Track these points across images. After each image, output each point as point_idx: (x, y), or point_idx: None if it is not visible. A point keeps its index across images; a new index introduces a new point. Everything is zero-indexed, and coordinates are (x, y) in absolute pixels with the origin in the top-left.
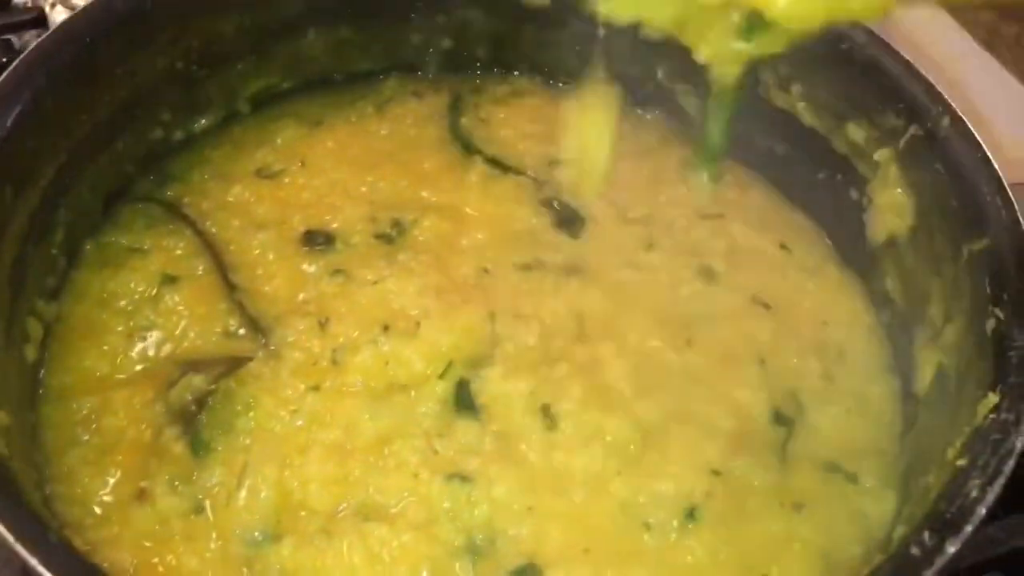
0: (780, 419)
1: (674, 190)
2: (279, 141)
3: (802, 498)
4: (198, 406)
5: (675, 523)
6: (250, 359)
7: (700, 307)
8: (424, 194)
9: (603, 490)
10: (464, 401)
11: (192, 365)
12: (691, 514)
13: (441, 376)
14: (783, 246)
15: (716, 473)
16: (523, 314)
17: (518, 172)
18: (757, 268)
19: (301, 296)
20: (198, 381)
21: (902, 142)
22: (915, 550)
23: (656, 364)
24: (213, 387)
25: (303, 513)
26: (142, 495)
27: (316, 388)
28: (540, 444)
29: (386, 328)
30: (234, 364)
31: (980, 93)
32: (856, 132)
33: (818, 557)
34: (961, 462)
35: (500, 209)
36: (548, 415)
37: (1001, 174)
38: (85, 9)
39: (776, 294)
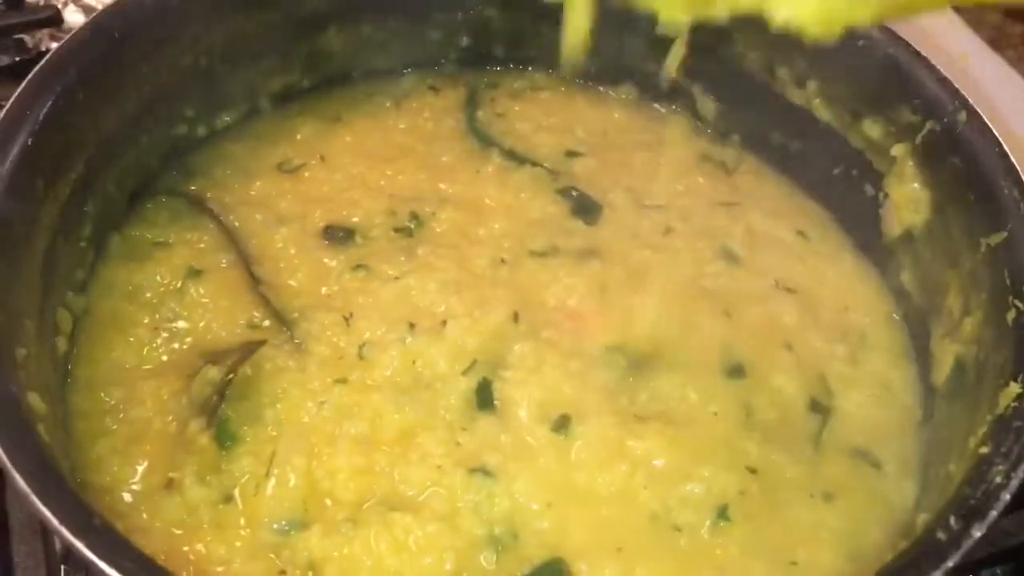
0: (816, 407)
1: (690, 180)
2: (299, 136)
3: (831, 487)
4: (219, 397)
5: (707, 523)
6: (263, 342)
7: (728, 285)
8: (442, 186)
9: (630, 497)
10: (485, 400)
11: (211, 356)
12: (723, 513)
13: (464, 373)
14: (800, 233)
15: (752, 471)
16: (547, 306)
17: (534, 164)
18: (776, 253)
19: (324, 290)
20: (213, 373)
21: (919, 137)
22: (941, 535)
23: (693, 342)
24: (230, 377)
25: (330, 503)
26: (171, 485)
27: (343, 381)
28: (557, 449)
29: (412, 326)
30: (247, 351)
31: (988, 91)
32: (872, 128)
33: (844, 544)
34: (984, 449)
35: (516, 199)
36: (565, 425)
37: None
38: (115, 4)
39: (797, 279)
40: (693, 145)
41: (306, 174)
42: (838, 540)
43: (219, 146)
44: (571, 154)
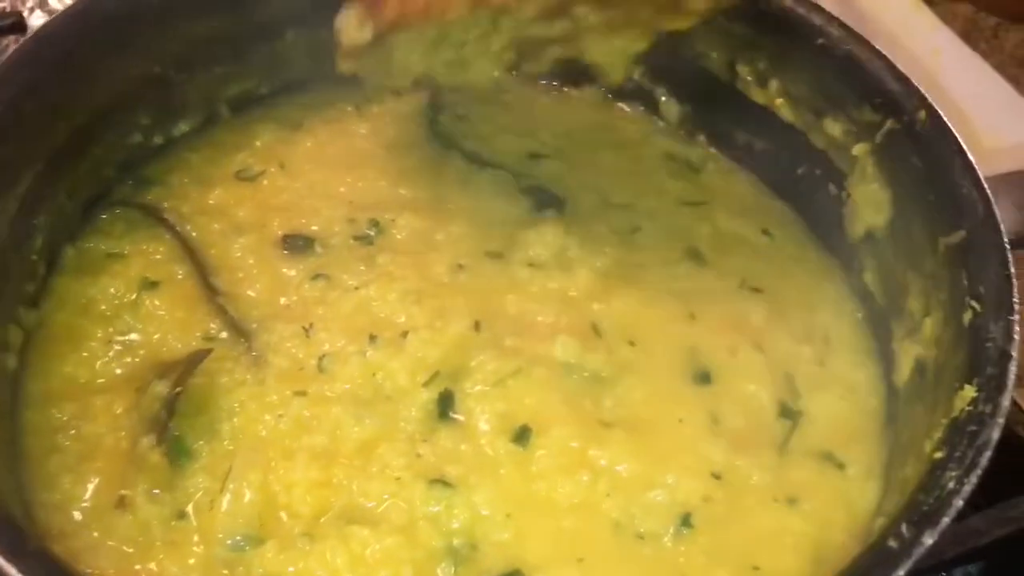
0: (785, 412)
1: (655, 179)
2: (258, 143)
3: (796, 491)
4: (168, 412)
5: (671, 530)
6: (208, 352)
7: (694, 286)
8: (402, 191)
9: (592, 506)
10: (446, 411)
11: (162, 370)
12: (686, 520)
13: (425, 385)
14: (766, 232)
15: (717, 477)
16: (508, 314)
17: (496, 166)
18: (743, 253)
19: (283, 300)
20: (161, 387)
21: (879, 136)
22: (893, 543)
23: (659, 348)
24: (178, 391)
25: (286, 517)
26: (122, 502)
27: (302, 394)
28: (517, 460)
29: (373, 338)
30: (193, 362)
31: (958, 85)
32: (833, 127)
33: (808, 548)
34: (939, 454)
35: (477, 202)
36: (526, 436)
37: (978, 166)
38: (64, 13)
39: (764, 279)
40: (658, 144)
41: (265, 182)
42: (802, 544)
43: (176, 154)
44: (534, 156)
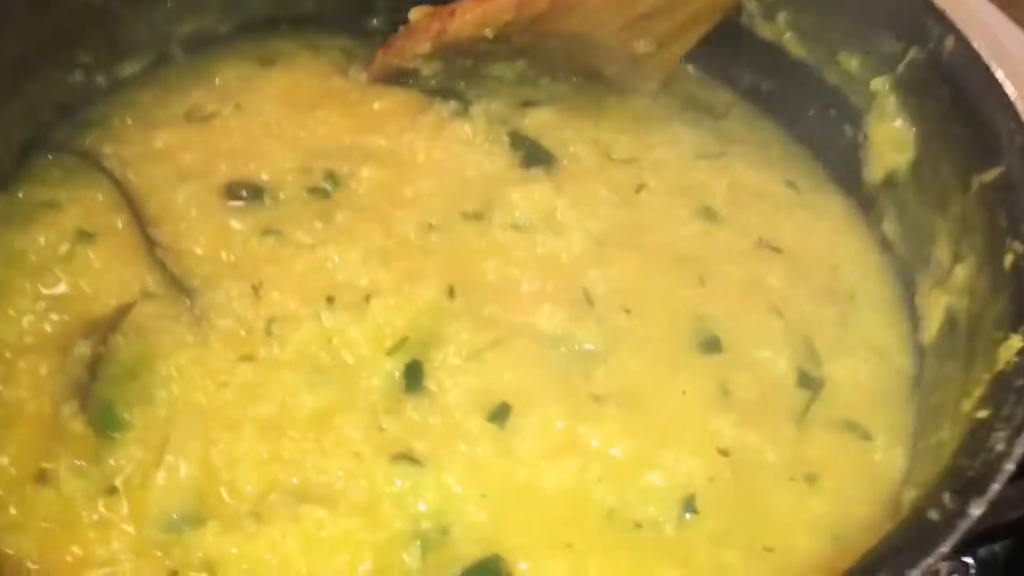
0: (805, 380)
1: (668, 130)
2: (217, 82)
3: (815, 467)
4: (90, 375)
5: (672, 517)
6: (132, 305)
7: (705, 248)
8: (367, 139)
9: (582, 493)
10: (414, 382)
11: (89, 329)
12: (690, 504)
13: (390, 354)
14: (790, 184)
15: (724, 453)
16: (486, 280)
17: (480, 115)
18: (762, 208)
19: (230, 257)
20: (84, 348)
21: (901, 67)
22: (934, 514)
23: (660, 315)
24: (100, 350)
25: (229, 496)
26: (43, 476)
27: (249, 358)
28: (495, 441)
29: (330, 300)
30: (116, 318)
31: (994, 14)
32: (849, 60)
33: (827, 526)
34: (982, 413)
35: (452, 156)
36: (504, 415)
37: (1016, 99)
38: None
39: (784, 236)
40: (677, 89)
41: (217, 123)
42: (820, 523)
43: (122, 96)
44: (527, 104)
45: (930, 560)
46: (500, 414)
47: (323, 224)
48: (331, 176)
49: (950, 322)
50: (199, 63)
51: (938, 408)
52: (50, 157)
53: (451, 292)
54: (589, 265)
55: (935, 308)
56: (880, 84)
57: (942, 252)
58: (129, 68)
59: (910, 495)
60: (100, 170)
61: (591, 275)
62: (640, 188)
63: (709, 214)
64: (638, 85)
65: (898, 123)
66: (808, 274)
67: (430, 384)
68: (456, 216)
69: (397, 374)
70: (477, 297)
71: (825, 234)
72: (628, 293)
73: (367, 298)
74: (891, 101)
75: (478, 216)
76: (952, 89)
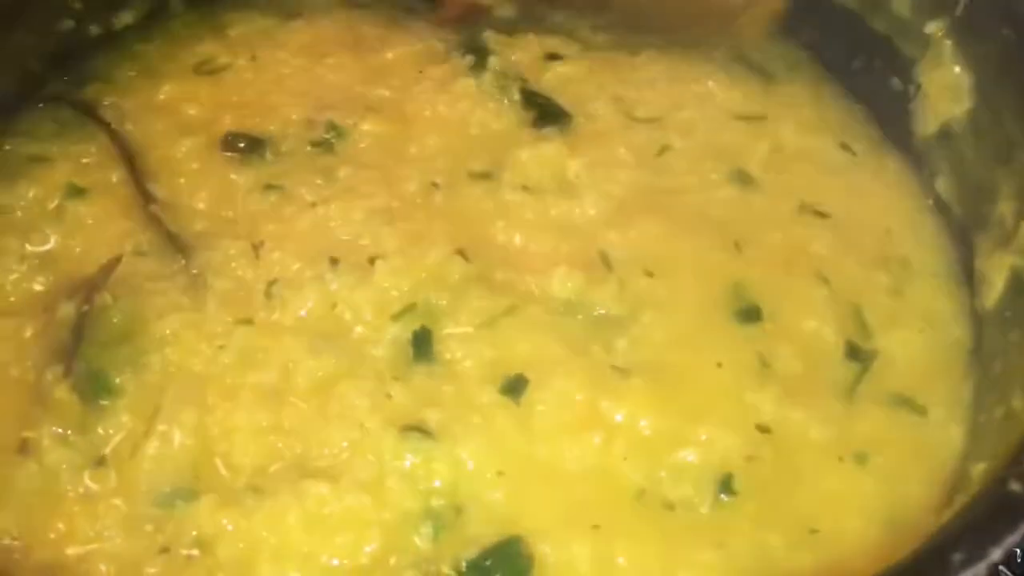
0: (854, 353)
1: (701, 89)
2: (232, 33)
3: (865, 445)
4: (75, 338)
5: (708, 499)
6: (118, 259)
7: (740, 213)
8: (372, 90)
9: (608, 471)
10: (424, 350)
11: (71, 289)
12: (726, 485)
13: (396, 319)
14: (844, 146)
15: (764, 430)
16: (496, 242)
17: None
18: (805, 172)
19: (229, 213)
20: (68, 308)
21: (959, 8)
22: (1016, 486)
23: (689, 280)
24: (85, 309)
25: (226, 468)
26: (25, 447)
27: (248, 322)
28: (512, 415)
29: (334, 262)
30: (103, 276)
31: None
32: (900, 4)
33: (880, 509)
34: None
35: (459, 112)
36: (520, 388)
37: None
38: None
39: (830, 200)
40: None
41: (228, 76)
42: (871, 504)
43: (126, 47)
44: (551, 57)
45: (1015, 537)
46: (515, 386)
47: (324, 180)
48: (334, 128)
49: (1015, 284)
50: (209, 15)
51: (1003, 377)
52: (41, 106)
53: (461, 255)
54: (607, 227)
55: (997, 271)
56: (936, 27)
57: (1005, 209)
58: (124, 18)
59: (979, 469)
60: (97, 121)
61: (609, 237)
62: (663, 150)
63: (743, 178)
64: (733, 38)
65: (956, 70)
66: (857, 240)
67: (441, 352)
68: (462, 175)
69: (405, 341)
70: (486, 260)
71: (875, 198)
72: (651, 257)
73: (371, 260)
74: (947, 46)
75: (486, 176)
76: (1017, 29)
